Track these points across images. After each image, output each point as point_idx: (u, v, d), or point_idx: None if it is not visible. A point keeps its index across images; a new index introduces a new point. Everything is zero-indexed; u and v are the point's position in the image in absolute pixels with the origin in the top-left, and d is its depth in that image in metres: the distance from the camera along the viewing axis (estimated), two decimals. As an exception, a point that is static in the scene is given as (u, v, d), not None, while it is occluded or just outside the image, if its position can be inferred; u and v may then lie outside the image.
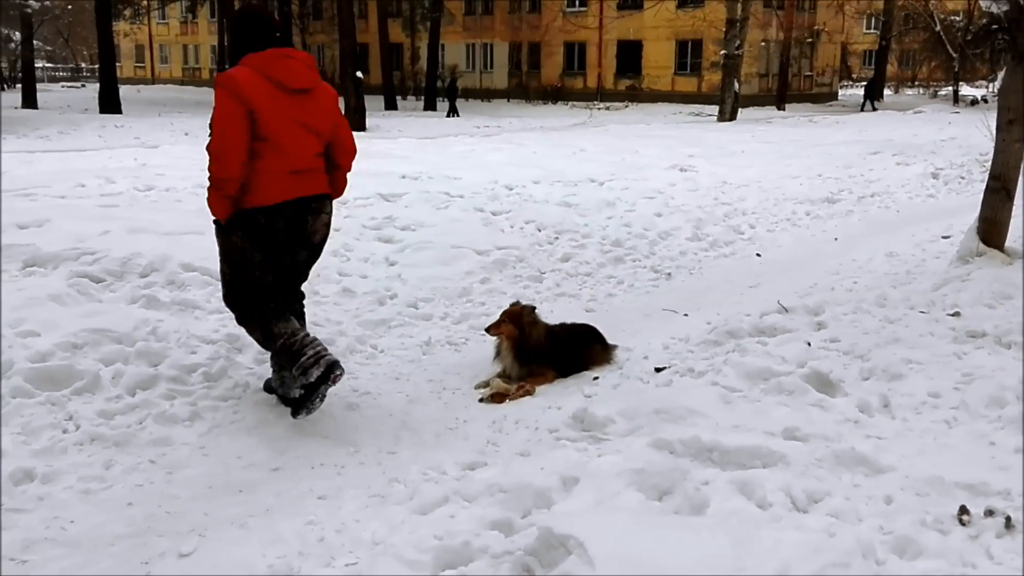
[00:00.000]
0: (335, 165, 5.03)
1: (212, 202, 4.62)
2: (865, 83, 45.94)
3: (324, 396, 4.72)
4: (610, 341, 6.15)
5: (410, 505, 3.76)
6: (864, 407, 4.42)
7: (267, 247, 4.70)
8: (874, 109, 40.97)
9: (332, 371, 4.65)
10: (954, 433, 4.10)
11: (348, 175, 5.18)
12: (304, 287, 5.18)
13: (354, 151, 5.15)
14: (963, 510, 3.24)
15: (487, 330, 5.98)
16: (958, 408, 4.32)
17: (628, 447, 3.98)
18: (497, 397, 5.47)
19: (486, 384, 5.68)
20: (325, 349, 4.73)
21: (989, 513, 3.20)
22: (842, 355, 5.12)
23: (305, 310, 5.31)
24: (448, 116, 36.87)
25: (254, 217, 4.61)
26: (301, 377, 4.65)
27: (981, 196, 7.35)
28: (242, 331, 5.51)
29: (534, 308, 5.99)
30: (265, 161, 4.56)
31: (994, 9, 7.30)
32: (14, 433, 4.43)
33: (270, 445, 4.73)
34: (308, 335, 4.79)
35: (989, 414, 4.21)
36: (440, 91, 44.80)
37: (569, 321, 6.35)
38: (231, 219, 4.65)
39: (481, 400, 5.50)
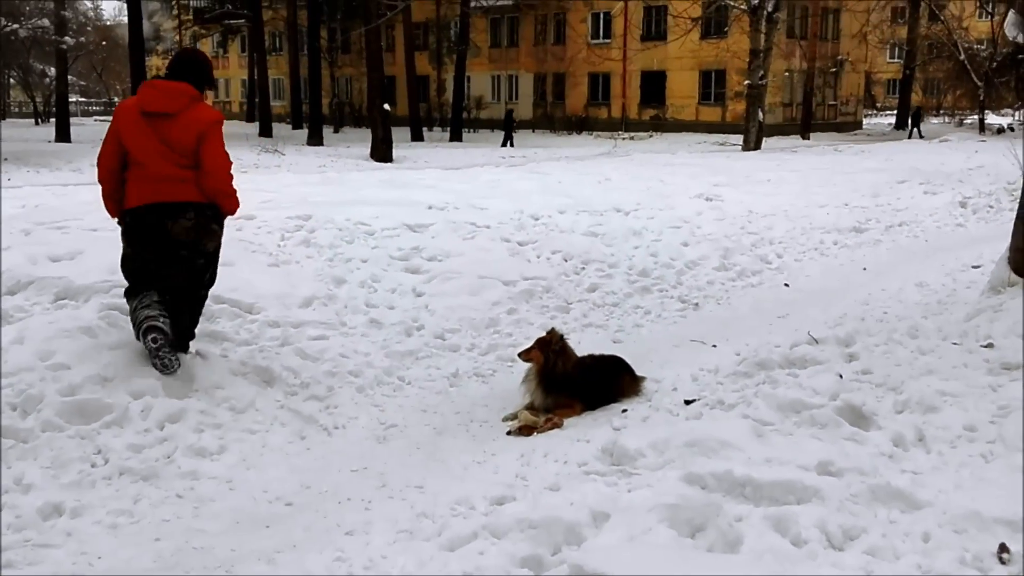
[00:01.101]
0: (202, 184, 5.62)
1: (103, 201, 5.73)
2: (912, 111, 45.76)
3: (158, 356, 5.38)
4: (638, 372, 6.11)
5: (439, 540, 3.71)
6: (899, 441, 4.34)
7: (132, 241, 5.61)
8: (915, 136, 40.75)
9: (147, 337, 5.37)
10: (992, 467, 4.02)
11: (239, 194, 5.79)
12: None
13: (213, 172, 5.59)
14: (1003, 548, 3.17)
15: (519, 354, 6.04)
16: (995, 442, 4.24)
17: (659, 481, 3.93)
18: (525, 430, 5.44)
19: (514, 416, 5.65)
20: (148, 320, 5.41)
21: (1031, 551, 3.13)
22: (875, 387, 5.04)
23: (190, 318, 5.80)
24: (503, 145, 37.61)
25: (123, 217, 5.62)
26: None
27: (1011, 225, 7.24)
28: (270, 363, 5.58)
29: (563, 336, 5.96)
30: (131, 171, 5.53)
31: (1020, 39, 7.23)
32: (44, 467, 4.45)
33: (297, 479, 4.73)
34: (144, 315, 5.44)
35: (1027, 448, 4.13)
36: (468, 122, 45.28)
37: (597, 352, 6.31)
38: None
39: (509, 433, 5.47)
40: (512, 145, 37.78)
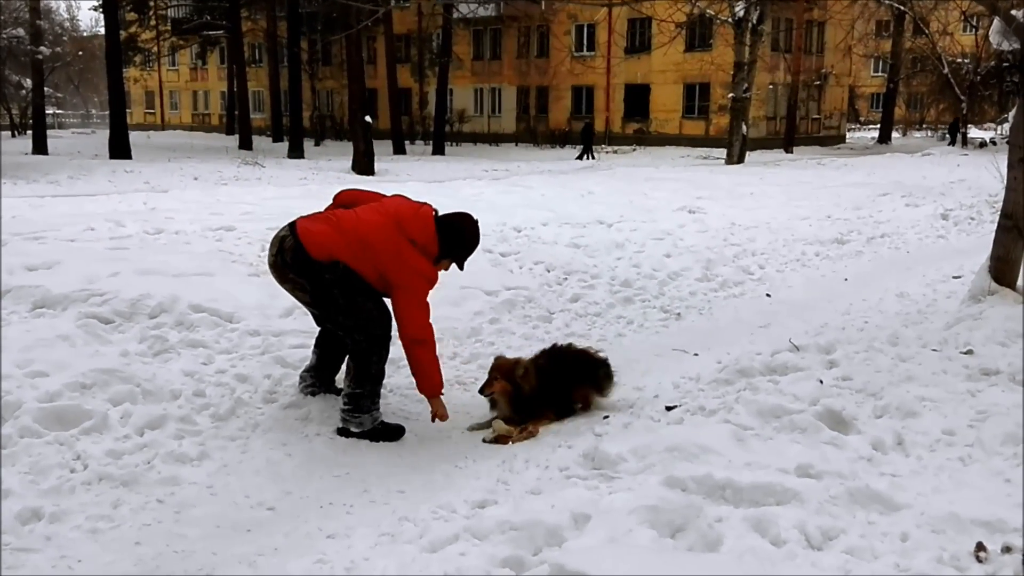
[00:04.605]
0: None
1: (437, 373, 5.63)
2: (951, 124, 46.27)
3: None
4: (618, 379, 6.06)
5: (420, 543, 3.71)
6: (878, 445, 4.37)
7: None
8: (952, 144, 41.27)
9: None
10: (970, 470, 4.05)
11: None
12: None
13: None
14: (980, 547, 3.19)
15: (481, 392, 5.81)
16: (973, 445, 4.27)
17: (640, 485, 3.93)
18: (501, 439, 5.43)
19: (480, 427, 5.64)
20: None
21: (1007, 550, 3.15)
22: (855, 393, 5.07)
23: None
24: (581, 158, 37.65)
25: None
26: None
27: (991, 237, 7.31)
28: (251, 371, 5.56)
29: (522, 361, 5.86)
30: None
31: (1004, 46, 7.29)
32: (22, 473, 4.42)
33: (278, 484, 4.71)
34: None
35: (1004, 451, 4.16)
36: (450, 136, 45.46)
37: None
38: None
39: (485, 440, 5.47)
40: (593, 158, 37.73)
